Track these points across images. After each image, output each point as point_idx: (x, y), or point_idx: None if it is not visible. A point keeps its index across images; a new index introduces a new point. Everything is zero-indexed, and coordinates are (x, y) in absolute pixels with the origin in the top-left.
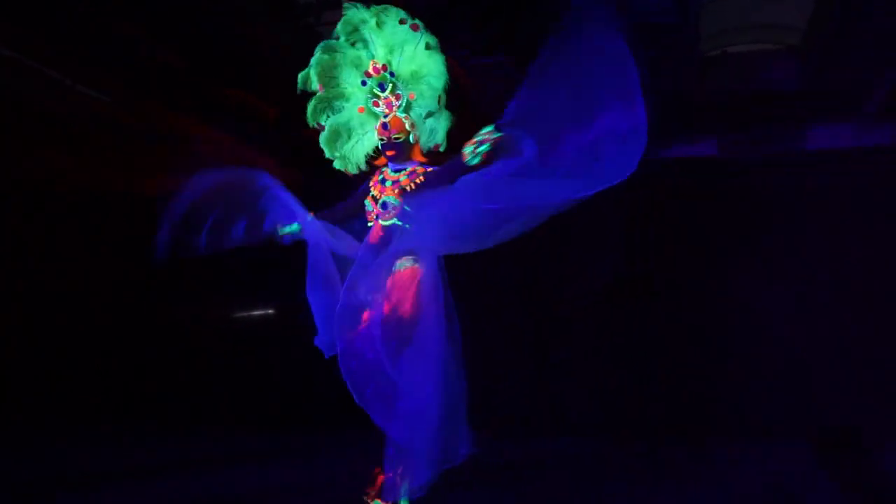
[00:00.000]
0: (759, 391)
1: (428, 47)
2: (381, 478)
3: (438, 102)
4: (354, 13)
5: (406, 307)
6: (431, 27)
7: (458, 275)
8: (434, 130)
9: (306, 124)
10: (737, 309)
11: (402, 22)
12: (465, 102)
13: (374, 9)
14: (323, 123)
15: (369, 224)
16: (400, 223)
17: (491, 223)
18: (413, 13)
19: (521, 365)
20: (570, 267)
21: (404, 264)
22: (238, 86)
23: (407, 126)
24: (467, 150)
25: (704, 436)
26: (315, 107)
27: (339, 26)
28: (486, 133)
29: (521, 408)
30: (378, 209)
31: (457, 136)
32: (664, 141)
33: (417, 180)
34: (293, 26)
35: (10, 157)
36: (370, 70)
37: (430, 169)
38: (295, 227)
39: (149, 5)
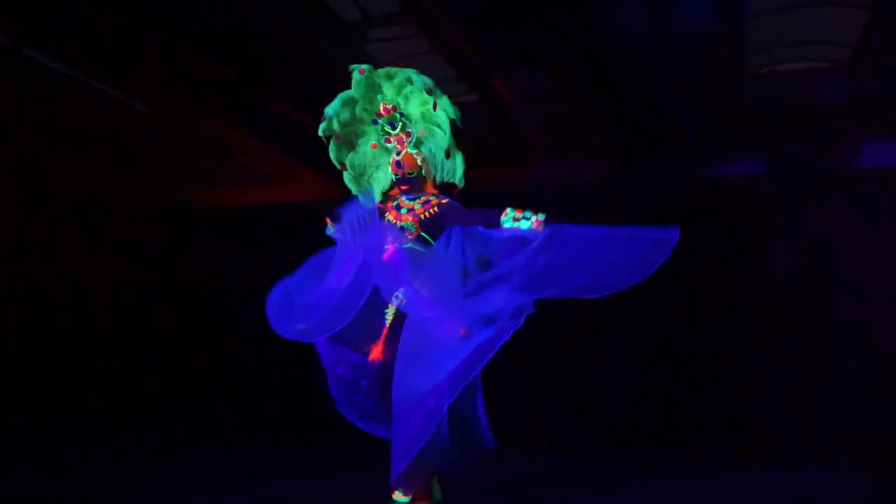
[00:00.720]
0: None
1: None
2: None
3: (449, 144)
4: (367, 79)
5: None
6: (469, 39)
7: None
8: (450, 171)
9: None
10: (784, 322)
11: (409, 81)
12: (503, 115)
13: (386, 70)
14: (345, 163)
15: (385, 247)
16: (414, 246)
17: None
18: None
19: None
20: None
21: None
22: (285, 100)
23: (418, 161)
24: (509, 214)
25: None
26: (336, 148)
27: (353, 84)
28: (536, 216)
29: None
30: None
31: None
32: (709, 158)
33: (432, 210)
34: (340, 43)
35: (60, 167)
36: (381, 111)
37: (445, 201)
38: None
39: (201, 21)
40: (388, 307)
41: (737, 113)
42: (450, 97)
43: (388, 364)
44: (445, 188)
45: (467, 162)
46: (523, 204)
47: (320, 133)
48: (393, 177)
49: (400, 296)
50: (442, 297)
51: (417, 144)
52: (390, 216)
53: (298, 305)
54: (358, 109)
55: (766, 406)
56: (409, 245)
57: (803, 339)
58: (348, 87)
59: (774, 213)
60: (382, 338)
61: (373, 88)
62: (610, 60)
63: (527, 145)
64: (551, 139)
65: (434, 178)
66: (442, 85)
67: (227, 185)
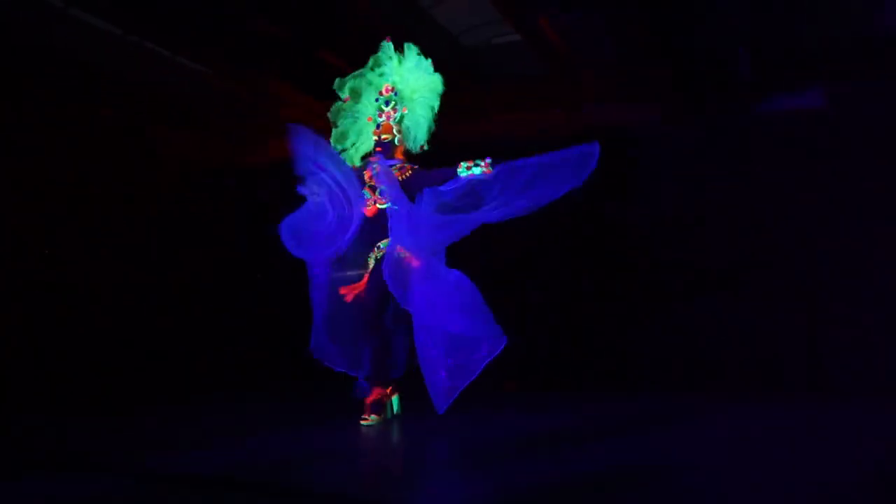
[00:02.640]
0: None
1: (431, 72)
2: (368, 399)
3: (431, 113)
4: (384, 52)
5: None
6: None
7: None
8: (416, 137)
9: None
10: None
11: (413, 64)
12: (554, 61)
13: (399, 51)
14: (337, 124)
15: (367, 206)
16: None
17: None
18: None
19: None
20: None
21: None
22: (334, 51)
23: (394, 130)
24: (462, 166)
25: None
26: (337, 110)
27: (370, 59)
28: (483, 162)
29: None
30: (376, 196)
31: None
32: (766, 92)
33: (407, 173)
34: None
35: (119, 132)
36: (382, 91)
37: (416, 167)
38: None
39: None
40: (370, 254)
41: (797, 46)
42: (494, 37)
43: (364, 303)
44: (417, 155)
45: (519, 107)
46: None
47: (334, 88)
48: (373, 140)
49: (381, 246)
50: (420, 244)
51: (400, 120)
52: (371, 182)
53: (305, 232)
54: (366, 83)
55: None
56: (387, 205)
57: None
58: (386, 31)
59: (837, 148)
60: (364, 281)
61: (382, 64)
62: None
63: (578, 89)
64: (604, 82)
65: (404, 146)
66: (488, 26)
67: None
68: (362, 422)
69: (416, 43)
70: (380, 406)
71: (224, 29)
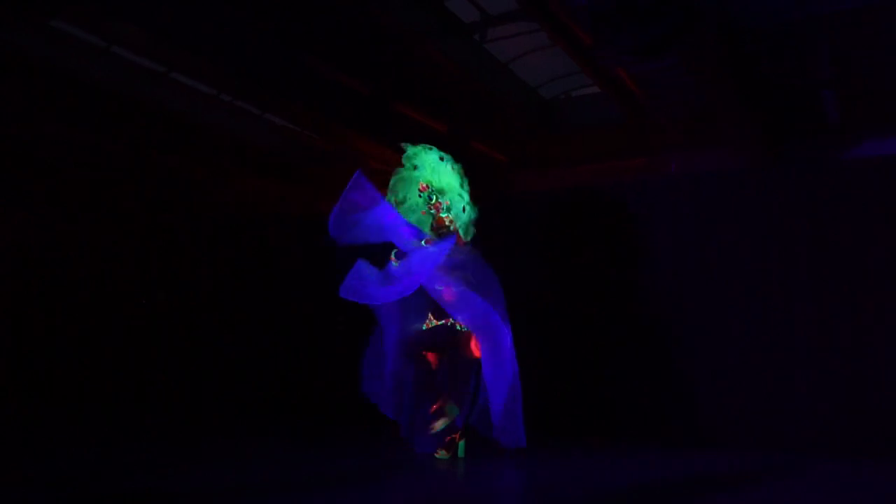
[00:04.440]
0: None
1: (452, 170)
2: (448, 438)
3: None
4: (410, 152)
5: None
6: (593, 31)
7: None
8: (466, 223)
9: (475, 138)
10: None
11: (440, 160)
12: (634, 109)
13: (424, 150)
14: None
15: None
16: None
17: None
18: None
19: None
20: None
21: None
22: (410, 103)
23: (446, 222)
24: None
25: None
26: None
27: (403, 158)
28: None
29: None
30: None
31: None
32: (854, 137)
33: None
34: (461, 44)
35: (207, 183)
36: (419, 189)
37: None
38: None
39: (329, 34)
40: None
41: (886, 87)
42: (573, 90)
43: (426, 368)
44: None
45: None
46: (657, 199)
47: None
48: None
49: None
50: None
51: (448, 210)
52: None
53: (369, 279)
54: (406, 186)
55: None
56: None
57: None
58: (469, 88)
59: None
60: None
61: (414, 169)
62: (748, 43)
63: (659, 137)
64: (684, 129)
65: (458, 229)
66: (567, 78)
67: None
68: (436, 454)
69: (495, 95)
70: (453, 444)
71: (306, 85)
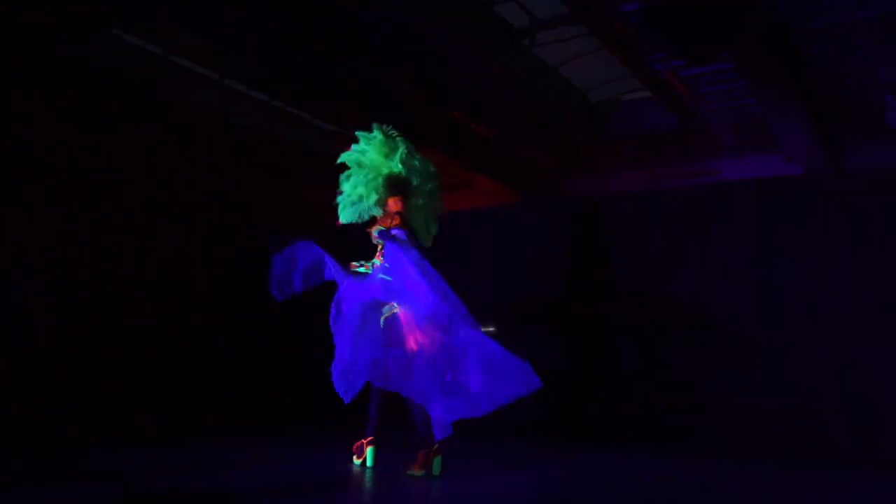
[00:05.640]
0: None
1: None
2: (421, 453)
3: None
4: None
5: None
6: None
7: None
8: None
9: (524, 143)
10: None
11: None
12: (682, 111)
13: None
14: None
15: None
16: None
17: None
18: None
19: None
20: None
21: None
22: (461, 109)
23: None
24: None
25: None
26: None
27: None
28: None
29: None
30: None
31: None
32: None
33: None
34: (511, 49)
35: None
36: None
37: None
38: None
39: (385, 46)
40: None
41: None
42: (622, 94)
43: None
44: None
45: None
46: (704, 208)
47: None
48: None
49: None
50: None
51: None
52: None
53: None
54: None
55: None
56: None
57: None
58: (517, 91)
59: None
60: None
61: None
62: (804, 45)
63: (708, 142)
64: (735, 134)
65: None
66: (614, 83)
67: None
68: (408, 471)
69: (545, 99)
70: (427, 462)
71: (358, 92)
